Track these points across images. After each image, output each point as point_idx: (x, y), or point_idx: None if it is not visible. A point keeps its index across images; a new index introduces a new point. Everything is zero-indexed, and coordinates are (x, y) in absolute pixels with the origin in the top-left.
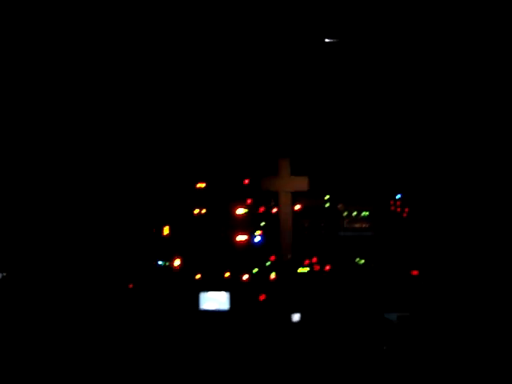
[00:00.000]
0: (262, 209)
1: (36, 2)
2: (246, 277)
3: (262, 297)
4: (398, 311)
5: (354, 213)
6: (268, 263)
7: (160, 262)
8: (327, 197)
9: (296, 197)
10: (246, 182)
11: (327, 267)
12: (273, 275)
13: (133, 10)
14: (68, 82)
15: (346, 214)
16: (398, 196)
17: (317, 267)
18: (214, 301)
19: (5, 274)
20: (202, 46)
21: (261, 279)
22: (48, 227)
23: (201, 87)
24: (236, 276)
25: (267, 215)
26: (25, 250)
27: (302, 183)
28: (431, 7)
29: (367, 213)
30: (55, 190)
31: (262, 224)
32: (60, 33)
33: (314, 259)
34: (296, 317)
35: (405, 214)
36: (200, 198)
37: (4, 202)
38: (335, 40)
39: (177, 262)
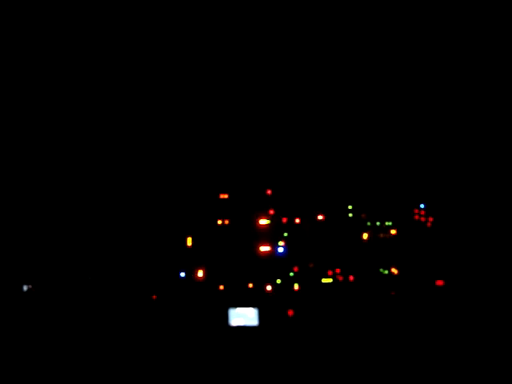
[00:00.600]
0: (284, 219)
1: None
2: (269, 288)
3: (291, 312)
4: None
5: (378, 223)
6: (291, 274)
7: (183, 274)
8: (350, 207)
9: (319, 207)
10: (269, 192)
11: (351, 277)
12: (296, 286)
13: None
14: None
15: (369, 223)
16: (422, 206)
17: (340, 278)
18: (243, 317)
19: (30, 287)
20: (217, 60)
21: (285, 290)
22: (70, 237)
23: (222, 99)
24: (262, 290)
25: (290, 226)
26: (50, 263)
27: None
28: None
29: (390, 223)
30: (77, 201)
31: (285, 235)
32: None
33: (338, 270)
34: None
35: (429, 224)
36: (223, 209)
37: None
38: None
39: (200, 273)
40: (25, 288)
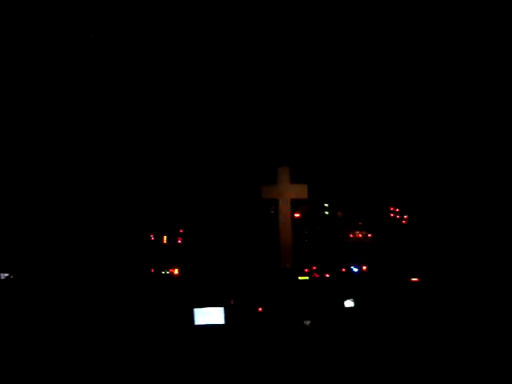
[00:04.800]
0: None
1: (37, 2)
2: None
3: (260, 309)
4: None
5: (354, 221)
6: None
7: (158, 271)
8: (326, 205)
9: (295, 205)
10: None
11: (327, 275)
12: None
13: (133, 11)
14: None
15: (345, 221)
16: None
17: (317, 275)
18: (209, 316)
19: (8, 275)
20: (207, 59)
21: (258, 288)
22: (48, 231)
23: (201, 95)
24: (230, 289)
25: (266, 223)
26: (29, 253)
27: (301, 191)
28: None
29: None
30: (59, 194)
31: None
32: (60, 33)
33: (314, 267)
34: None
35: (404, 221)
36: (199, 207)
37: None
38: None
39: (175, 271)
40: (2, 277)
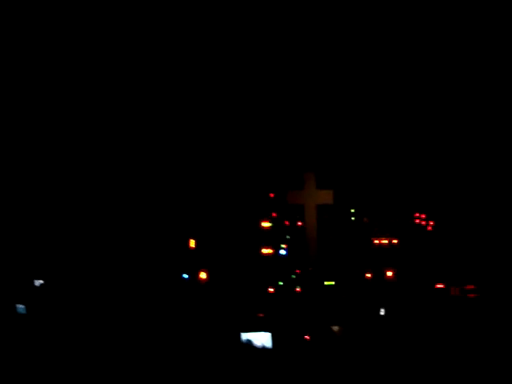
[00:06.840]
0: (287, 222)
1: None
2: (271, 289)
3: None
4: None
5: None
6: (293, 276)
7: (185, 275)
8: (353, 210)
9: (321, 210)
10: (272, 195)
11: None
12: (298, 288)
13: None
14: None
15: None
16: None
17: (343, 280)
18: (256, 341)
19: (43, 282)
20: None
21: (287, 294)
22: (71, 236)
23: (226, 103)
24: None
25: (293, 229)
26: (59, 261)
27: (327, 196)
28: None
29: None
30: (80, 202)
31: (288, 237)
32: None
33: (341, 273)
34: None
35: (430, 228)
36: (227, 212)
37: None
38: None
39: (203, 275)
40: (37, 283)
